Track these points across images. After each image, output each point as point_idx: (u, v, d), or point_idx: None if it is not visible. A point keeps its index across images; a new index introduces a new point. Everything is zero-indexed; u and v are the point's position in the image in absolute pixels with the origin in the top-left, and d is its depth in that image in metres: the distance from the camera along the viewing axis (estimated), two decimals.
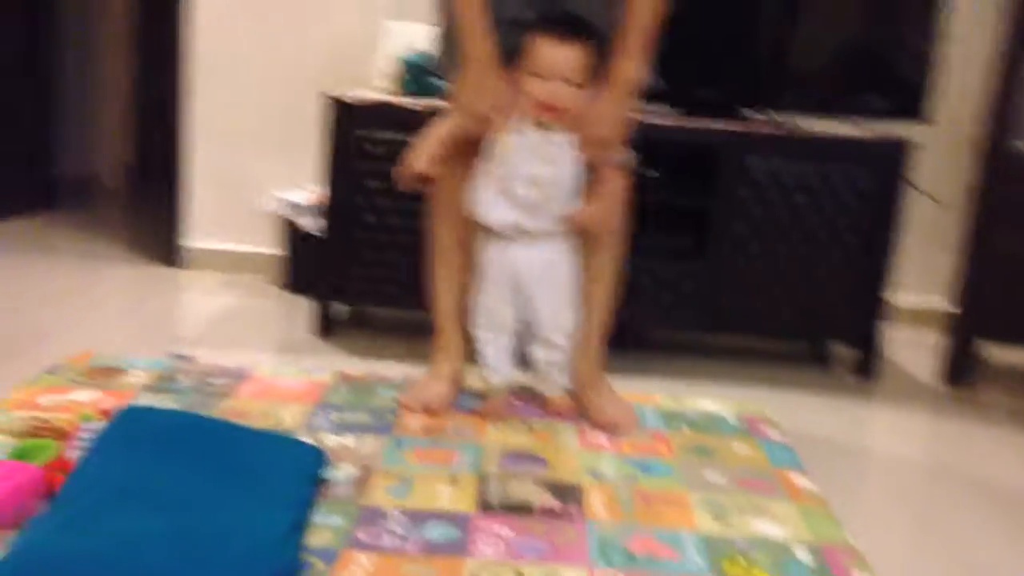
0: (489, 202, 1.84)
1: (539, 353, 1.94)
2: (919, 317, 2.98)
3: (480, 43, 1.81)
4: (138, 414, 1.61)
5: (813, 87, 2.66)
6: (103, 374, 2.03)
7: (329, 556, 1.37)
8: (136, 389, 1.95)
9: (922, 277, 2.98)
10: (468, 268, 1.99)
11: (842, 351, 2.66)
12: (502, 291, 1.88)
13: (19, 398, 1.85)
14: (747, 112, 2.61)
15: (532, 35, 1.76)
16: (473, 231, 1.93)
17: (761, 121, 2.56)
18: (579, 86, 1.76)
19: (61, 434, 1.58)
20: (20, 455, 1.50)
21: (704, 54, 2.57)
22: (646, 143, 2.46)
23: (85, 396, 1.88)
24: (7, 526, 1.36)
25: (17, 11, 3.78)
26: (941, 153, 2.87)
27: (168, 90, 3.16)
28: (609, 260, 2.00)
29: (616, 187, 1.89)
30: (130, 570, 1.23)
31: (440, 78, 2.43)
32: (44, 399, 1.85)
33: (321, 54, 3.01)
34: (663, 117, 2.49)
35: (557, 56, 1.74)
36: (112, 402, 1.80)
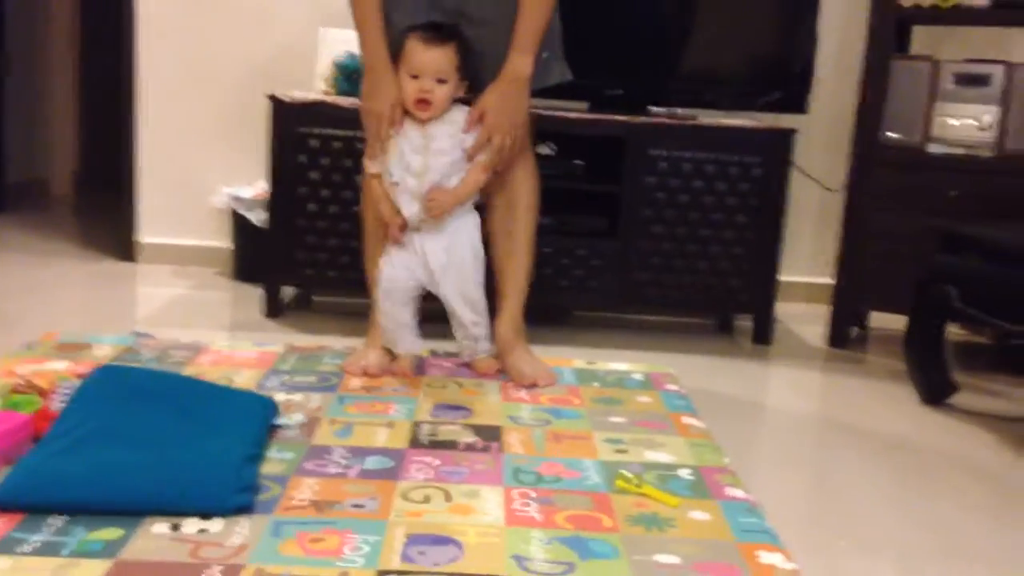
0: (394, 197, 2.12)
1: (458, 329, 2.23)
2: (812, 292, 3.31)
3: (376, 50, 2.08)
4: (112, 371, 1.84)
5: (709, 84, 2.97)
6: (73, 348, 2.25)
7: (282, 481, 1.61)
8: (103, 361, 2.17)
9: (814, 256, 3.30)
10: None
11: (744, 322, 2.96)
12: (408, 271, 2.14)
13: None
14: (651, 107, 2.91)
15: (407, 41, 2.04)
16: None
17: (663, 115, 2.86)
18: (444, 82, 2.03)
19: (42, 391, 1.80)
20: (8, 406, 1.72)
21: (612, 55, 2.86)
22: (561, 134, 2.76)
23: (58, 366, 2.10)
24: (1, 464, 1.58)
25: None
26: (829, 143, 3.20)
27: (116, 95, 3.36)
28: (525, 235, 2.26)
29: (471, 180, 2.11)
30: (112, 490, 1.46)
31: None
32: (21, 368, 2.06)
33: (264, 58, 3.24)
34: (576, 111, 2.77)
35: (425, 57, 2.02)
36: (84, 369, 2.02)
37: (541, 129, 2.74)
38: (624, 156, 2.73)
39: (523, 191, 2.25)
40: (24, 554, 1.32)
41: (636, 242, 2.76)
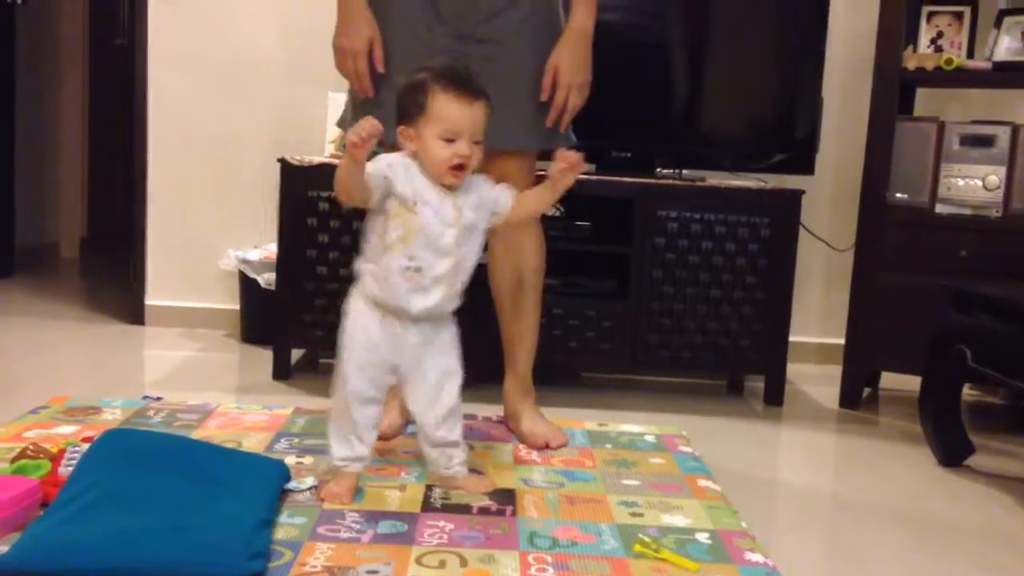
0: (385, 279, 1.77)
1: (427, 448, 1.89)
2: (823, 352, 3.29)
3: None
4: (119, 434, 1.82)
5: (715, 146, 3.01)
6: (82, 412, 2.23)
7: (295, 546, 1.59)
8: (113, 424, 2.15)
9: (824, 316, 3.30)
10: None
11: (754, 383, 2.94)
12: (377, 367, 1.81)
13: (6, 433, 2.05)
14: (659, 170, 2.93)
15: (434, 93, 1.74)
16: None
17: (671, 176, 2.88)
18: (479, 144, 1.77)
19: (52, 456, 1.78)
20: (18, 471, 1.70)
21: (619, 117, 2.89)
22: (568, 196, 2.77)
23: (67, 430, 2.08)
24: (9, 531, 1.55)
25: None
26: (836, 203, 3.22)
27: (124, 161, 3.40)
28: (532, 297, 2.25)
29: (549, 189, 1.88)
30: (123, 556, 1.43)
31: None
32: (30, 433, 2.05)
33: (273, 123, 3.27)
34: (584, 173, 2.79)
35: (466, 116, 1.74)
36: (93, 433, 2.00)
37: None
38: (633, 217, 2.74)
39: (529, 252, 2.24)
40: None
41: (646, 303, 2.75)
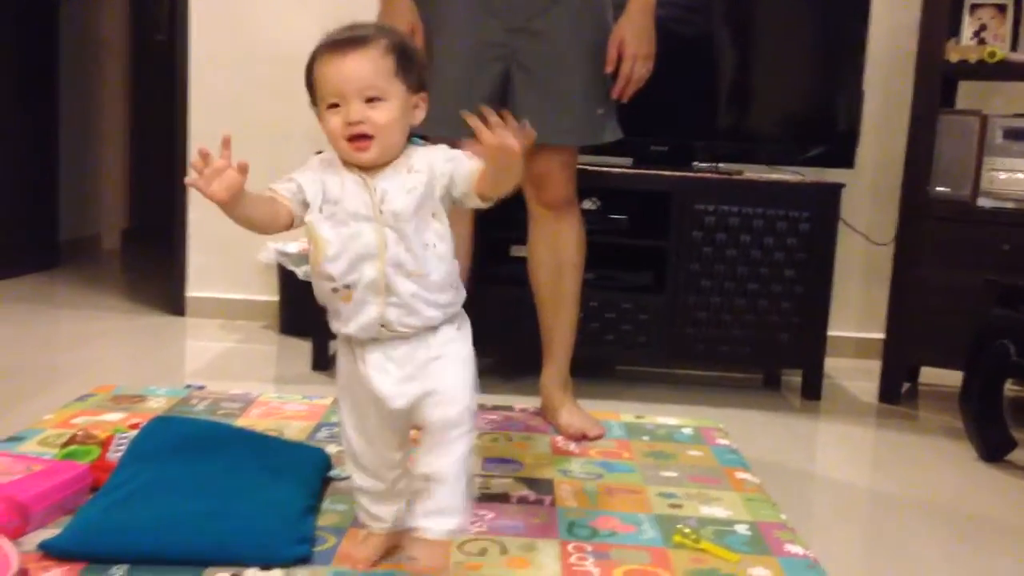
0: (331, 310, 1.44)
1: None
2: (862, 347, 3.27)
3: None
4: (166, 422, 1.87)
5: (753, 139, 3.00)
6: (128, 400, 2.27)
7: (339, 532, 1.61)
8: (158, 412, 2.19)
9: (863, 310, 3.27)
10: None
11: (792, 378, 2.93)
12: (370, 420, 1.45)
13: (55, 420, 2.09)
14: (697, 164, 2.92)
15: (313, 64, 1.42)
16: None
17: (708, 170, 2.87)
18: (380, 100, 1.37)
19: (100, 442, 1.81)
20: (68, 456, 1.74)
21: (657, 111, 2.88)
22: (606, 190, 2.78)
23: (114, 417, 2.12)
24: (60, 515, 1.59)
25: (22, 90, 4.07)
26: (876, 196, 3.19)
27: (165, 155, 3.44)
28: (571, 290, 2.26)
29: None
30: (172, 540, 1.46)
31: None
32: (78, 420, 2.09)
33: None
34: (621, 167, 2.79)
35: (341, 71, 1.37)
36: (140, 420, 2.04)
37: (586, 185, 2.77)
38: (670, 211, 2.74)
39: (569, 246, 2.25)
40: None
41: (683, 297, 2.75)
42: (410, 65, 1.41)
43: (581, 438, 2.19)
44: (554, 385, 2.29)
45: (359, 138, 1.37)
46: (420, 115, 1.44)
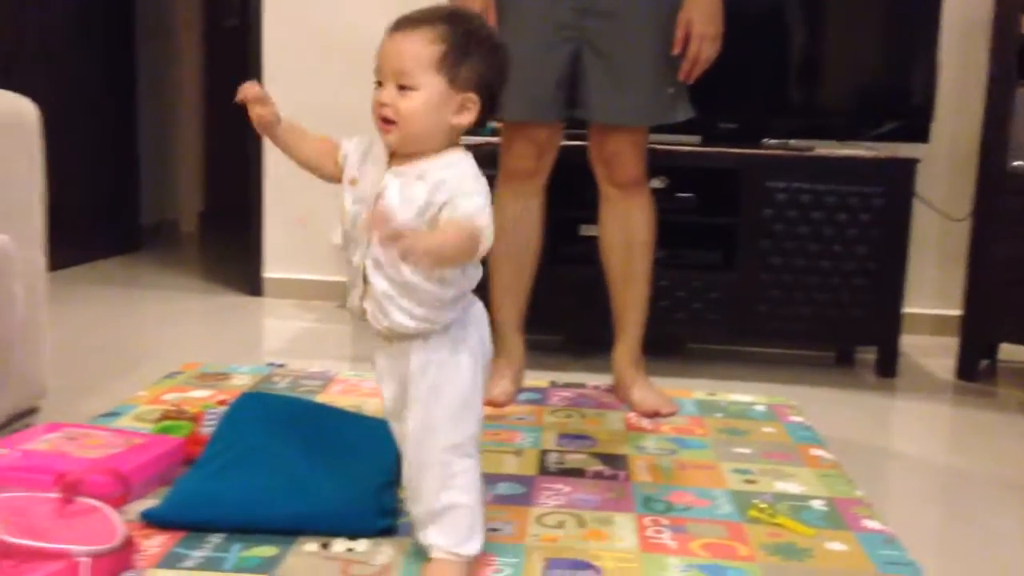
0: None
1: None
2: (938, 324, 3.22)
3: None
4: (255, 397, 1.94)
5: (824, 115, 2.96)
6: (213, 377, 2.36)
7: None
8: (242, 389, 2.26)
9: (939, 287, 3.22)
10: (526, 280, 2.29)
11: (866, 355, 2.91)
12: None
13: (148, 396, 2.18)
14: (766, 140, 2.90)
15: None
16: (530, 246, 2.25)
17: (778, 147, 2.85)
18: (411, 89, 1.33)
19: (191, 417, 1.89)
20: (162, 431, 1.83)
21: (725, 88, 2.87)
22: (674, 168, 2.78)
23: (201, 394, 2.21)
24: (157, 486, 1.67)
25: (102, 78, 4.21)
26: (951, 171, 3.14)
27: (240, 139, 3.52)
28: (642, 268, 2.27)
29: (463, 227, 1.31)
30: (264, 511, 1.53)
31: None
32: (169, 396, 2.18)
33: None
34: (691, 145, 2.79)
35: (390, 51, 1.35)
36: (226, 397, 2.12)
37: (654, 163, 2.77)
38: (740, 188, 2.73)
39: (641, 224, 2.27)
40: (187, 568, 1.40)
41: (754, 274, 2.74)
42: (461, 59, 1.33)
43: (654, 415, 2.22)
44: (626, 363, 2.31)
45: (384, 119, 1.35)
46: (468, 117, 1.36)
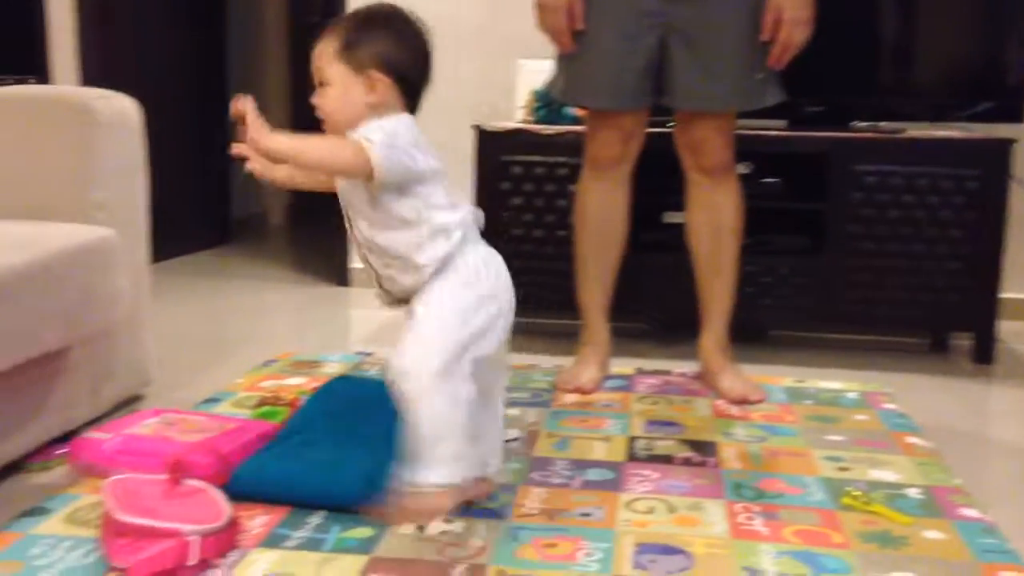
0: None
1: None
2: None
3: None
4: (341, 381, 2.00)
5: (917, 96, 2.89)
6: (306, 365, 2.43)
7: (512, 489, 1.69)
8: (332, 377, 2.32)
9: None
10: (611, 267, 2.30)
11: (961, 341, 2.83)
12: None
13: (246, 383, 2.26)
14: (855, 123, 2.85)
15: None
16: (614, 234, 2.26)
17: (868, 129, 2.79)
18: (327, 83, 1.50)
19: (288, 403, 1.96)
20: (261, 416, 1.89)
21: (812, 71, 2.82)
22: (759, 153, 2.74)
23: (296, 381, 2.27)
24: None
25: (194, 77, 4.33)
26: None
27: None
28: (729, 255, 2.26)
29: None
30: (326, 487, 1.57)
31: (564, 105, 2.77)
32: (266, 384, 2.25)
33: (465, 91, 3.39)
34: (778, 129, 2.75)
35: (312, 58, 1.53)
36: (318, 384, 2.17)
37: (738, 148, 2.75)
38: (828, 172, 2.69)
39: (728, 211, 2.25)
40: (289, 548, 1.45)
41: (843, 259, 2.70)
42: (356, 43, 1.47)
43: (742, 402, 2.20)
44: (713, 349, 2.30)
45: (320, 120, 1.52)
46: (378, 95, 1.49)
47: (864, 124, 2.85)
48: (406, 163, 1.46)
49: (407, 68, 1.52)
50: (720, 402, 2.22)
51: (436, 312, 1.50)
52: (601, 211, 2.26)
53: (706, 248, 2.27)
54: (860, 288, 2.70)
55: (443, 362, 1.47)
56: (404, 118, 1.50)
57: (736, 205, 2.25)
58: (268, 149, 1.44)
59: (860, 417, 2.13)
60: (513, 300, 1.61)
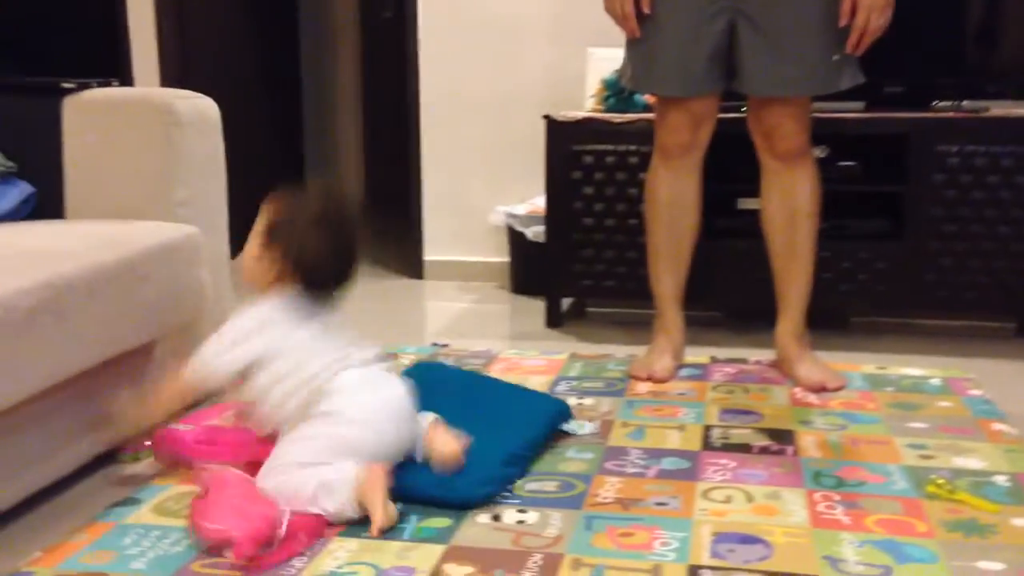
0: None
1: None
2: None
3: None
4: (424, 367, 2.03)
5: (1000, 73, 2.80)
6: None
7: (586, 479, 1.69)
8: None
9: None
10: (684, 255, 2.28)
11: None
12: None
13: None
14: (937, 102, 2.77)
15: None
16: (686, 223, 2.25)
17: (951, 109, 2.71)
18: (253, 236, 1.70)
19: None
20: None
21: (890, 50, 2.75)
22: (836, 136, 2.69)
23: None
24: None
25: (269, 78, 4.42)
26: None
27: (398, 129, 3.64)
28: (806, 240, 2.22)
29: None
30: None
31: (634, 93, 2.76)
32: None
33: (535, 81, 3.39)
34: (856, 111, 2.69)
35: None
36: None
37: (815, 132, 2.69)
38: (907, 154, 2.62)
39: (804, 196, 2.21)
40: (368, 538, 1.48)
41: (924, 243, 2.63)
42: (277, 226, 1.66)
43: (820, 390, 2.17)
44: (790, 337, 2.27)
45: None
46: (278, 274, 1.66)
47: (946, 104, 2.77)
48: (224, 370, 1.59)
49: (312, 267, 1.64)
50: (797, 390, 2.18)
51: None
52: (672, 200, 2.25)
53: (782, 235, 2.24)
54: (942, 272, 2.63)
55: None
56: (260, 309, 1.63)
57: (812, 190, 2.21)
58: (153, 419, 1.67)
59: (944, 404, 2.08)
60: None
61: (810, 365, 2.24)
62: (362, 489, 1.48)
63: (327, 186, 1.76)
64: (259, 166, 4.25)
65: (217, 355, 1.59)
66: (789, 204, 2.20)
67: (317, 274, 1.65)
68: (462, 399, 1.86)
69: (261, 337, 1.60)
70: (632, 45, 2.18)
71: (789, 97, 2.11)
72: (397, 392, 1.64)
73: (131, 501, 1.62)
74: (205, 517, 1.44)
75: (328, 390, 1.57)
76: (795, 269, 2.25)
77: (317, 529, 1.47)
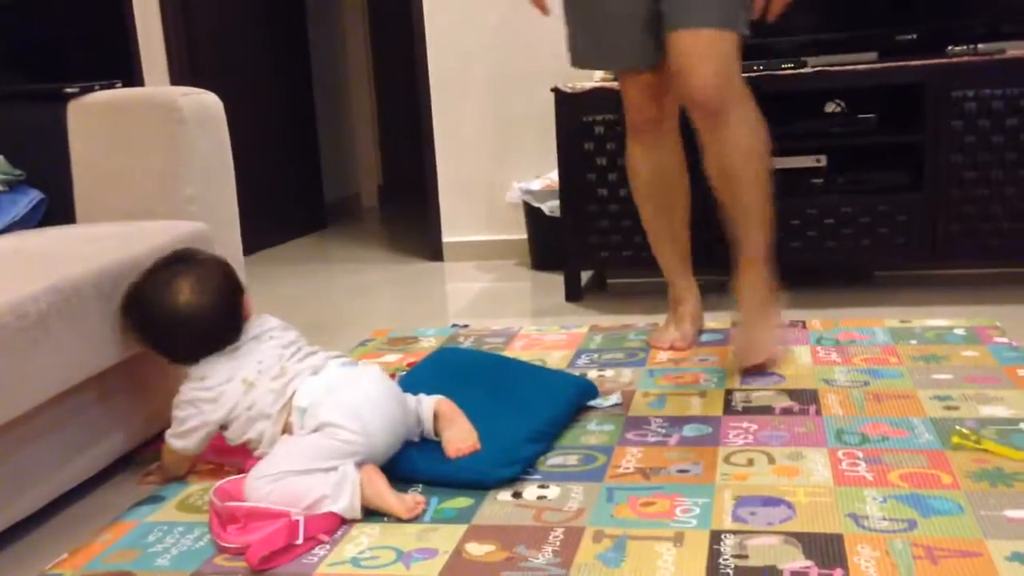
0: None
1: None
2: None
3: None
4: (447, 351, 2.02)
5: (1016, 12, 2.73)
6: (402, 342, 2.47)
7: (607, 451, 1.68)
8: (429, 352, 2.35)
9: None
10: (679, 225, 2.24)
11: None
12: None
13: None
14: (951, 47, 2.70)
15: None
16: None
17: (964, 52, 2.65)
18: None
19: None
20: None
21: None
22: (850, 89, 2.64)
23: (392, 358, 2.32)
24: None
25: (279, 64, 4.42)
26: None
27: (410, 113, 3.63)
28: (749, 176, 2.00)
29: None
30: (396, 462, 1.60)
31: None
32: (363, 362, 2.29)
33: (543, 55, 3.36)
34: (869, 63, 2.64)
35: None
36: (415, 359, 2.21)
37: (829, 87, 2.65)
38: (924, 102, 2.57)
39: (738, 137, 1.96)
40: (390, 521, 1.48)
41: (945, 192, 2.58)
42: (123, 312, 1.70)
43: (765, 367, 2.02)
44: (744, 296, 2.08)
45: None
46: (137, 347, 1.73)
47: (960, 48, 2.71)
48: (193, 447, 1.65)
49: (155, 345, 1.70)
50: (820, 349, 2.15)
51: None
52: (652, 177, 2.21)
53: (722, 193, 2.03)
54: (965, 220, 2.58)
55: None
56: (190, 383, 1.65)
57: (750, 129, 1.97)
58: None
59: (969, 354, 2.05)
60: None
61: (747, 334, 2.06)
62: (365, 496, 1.48)
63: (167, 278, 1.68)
64: (274, 160, 4.27)
65: (179, 437, 1.64)
66: (718, 163, 2.01)
67: (197, 352, 1.66)
68: (487, 382, 1.85)
69: (205, 403, 1.62)
70: (572, 23, 2.12)
71: (697, 31, 1.92)
72: (376, 381, 1.62)
73: (155, 499, 1.64)
74: (220, 528, 1.46)
75: (313, 403, 1.57)
76: (746, 200, 2.01)
77: (334, 526, 1.46)
